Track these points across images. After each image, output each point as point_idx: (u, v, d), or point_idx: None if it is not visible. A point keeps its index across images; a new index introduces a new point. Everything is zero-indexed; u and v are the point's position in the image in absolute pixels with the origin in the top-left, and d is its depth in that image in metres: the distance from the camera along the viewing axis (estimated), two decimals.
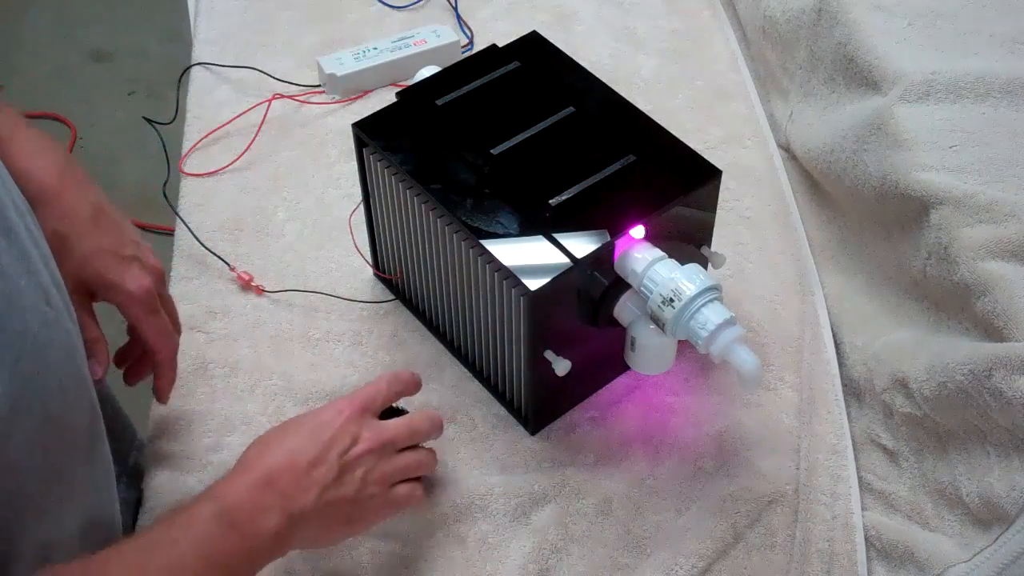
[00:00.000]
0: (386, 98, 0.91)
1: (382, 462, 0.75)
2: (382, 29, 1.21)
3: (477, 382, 0.92)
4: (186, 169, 1.09)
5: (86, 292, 0.78)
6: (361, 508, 0.74)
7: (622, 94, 0.90)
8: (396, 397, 0.80)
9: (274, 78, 1.15)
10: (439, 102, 0.89)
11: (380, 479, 0.75)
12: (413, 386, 0.82)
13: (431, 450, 0.81)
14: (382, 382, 0.79)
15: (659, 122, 0.87)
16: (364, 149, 0.88)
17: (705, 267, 0.87)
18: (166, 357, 0.82)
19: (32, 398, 0.62)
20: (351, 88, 1.14)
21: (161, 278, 0.81)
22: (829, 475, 0.85)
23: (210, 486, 0.71)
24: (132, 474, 0.90)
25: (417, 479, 0.78)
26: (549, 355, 0.81)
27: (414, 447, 0.79)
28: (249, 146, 1.09)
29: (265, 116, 1.11)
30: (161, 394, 0.84)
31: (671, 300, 0.77)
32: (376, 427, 0.76)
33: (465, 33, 1.21)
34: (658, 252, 0.79)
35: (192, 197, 1.06)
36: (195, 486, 0.85)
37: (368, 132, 0.87)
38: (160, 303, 0.80)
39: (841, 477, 0.85)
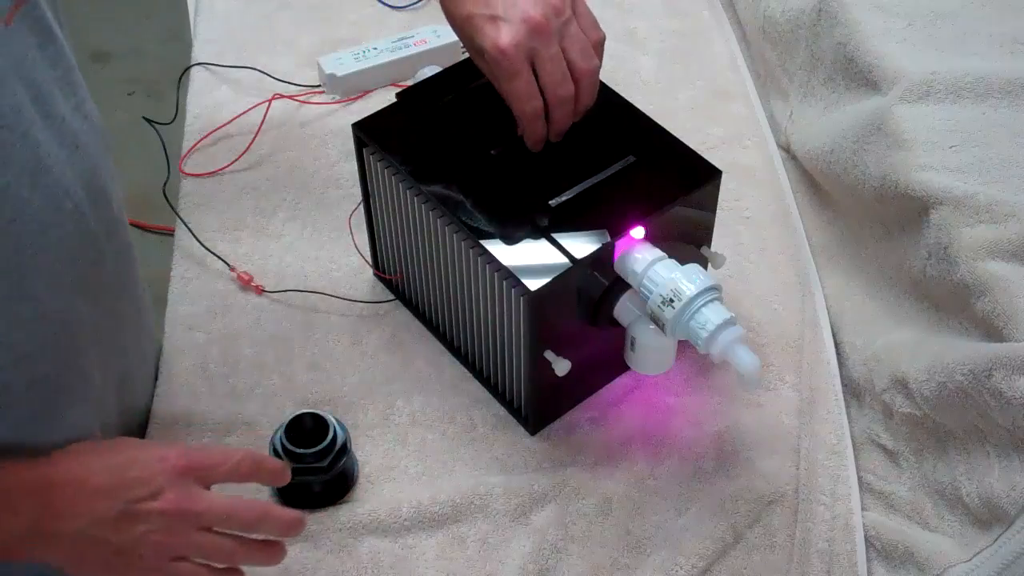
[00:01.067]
0: (386, 98, 0.91)
1: (171, 531, 0.68)
2: (382, 29, 1.21)
3: (477, 382, 0.92)
4: (186, 169, 1.09)
5: None
6: (125, 564, 0.68)
7: (622, 94, 0.90)
8: (242, 479, 0.73)
9: (274, 78, 1.15)
10: (439, 102, 0.89)
11: (158, 546, 0.68)
12: (277, 476, 0.75)
13: (253, 544, 0.72)
14: (234, 456, 0.72)
15: (659, 122, 0.87)
16: (364, 149, 0.88)
17: (705, 267, 0.87)
18: (530, 119, 0.82)
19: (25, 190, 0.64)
20: (351, 88, 1.14)
21: (536, 29, 0.78)
22: (829, 475, 0.85)
23: (8, 459, 0.67)
24: None
25: (223, 567, 0.71)
26: (549, 355, 0.81)
27: (233, 534, 0.71)
28: (249, 146, 1.09)
29: (265, 116, 1.11)
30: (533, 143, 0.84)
31: (671, 300, 0.77)
32: (187, 494, 0.69)
33: None
34: (658, 252, 0.79)
35: (192, 197, 1.06)
36: None
37: (368, 132, 0.87)
38: (543, 55, 0.79)
39: (841, 477, 0.85)
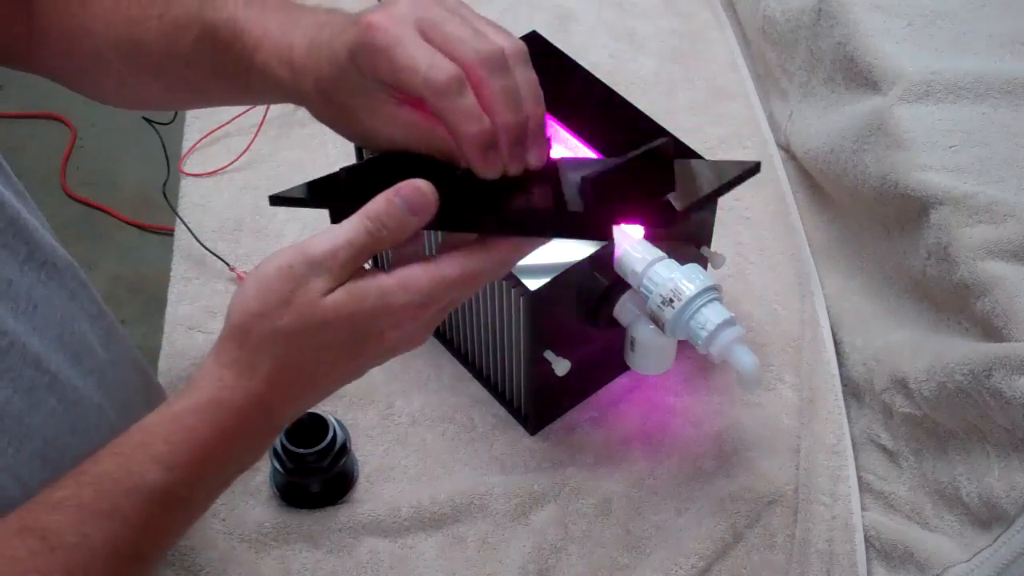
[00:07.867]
0: None
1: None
2: None
3: (477, 382, 0.92)
4: (186, 169, 1.09)
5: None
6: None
7: (622, 94, 0.90)
8: (396, 239, 0.60)
9: None
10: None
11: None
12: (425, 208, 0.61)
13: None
14: (366, 224, 0.59)
15: (659, 122, 0.87)
16: (364, 149, 0.88)
17: (705, 267, 0.87)
18: (470, 143, 0.60)
19: None
20: None
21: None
22: (829, 475, 0.85)
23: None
24: None
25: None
26: (549, 355, 0.81)
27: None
28: (249, 146, 1.09)
29: (265, 116, 1.11)
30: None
31: (671, 300, 0.77)
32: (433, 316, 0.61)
33: None
34: (658, 252, 0.79)
35: (192, 197, 1.06)
36: None
37: None
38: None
39: (841, 477, 0.85)
